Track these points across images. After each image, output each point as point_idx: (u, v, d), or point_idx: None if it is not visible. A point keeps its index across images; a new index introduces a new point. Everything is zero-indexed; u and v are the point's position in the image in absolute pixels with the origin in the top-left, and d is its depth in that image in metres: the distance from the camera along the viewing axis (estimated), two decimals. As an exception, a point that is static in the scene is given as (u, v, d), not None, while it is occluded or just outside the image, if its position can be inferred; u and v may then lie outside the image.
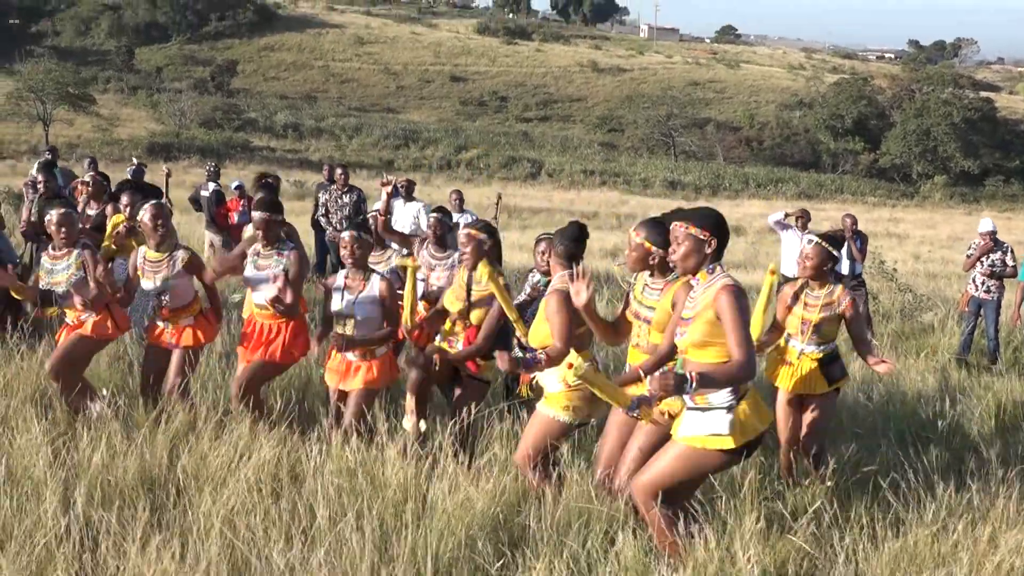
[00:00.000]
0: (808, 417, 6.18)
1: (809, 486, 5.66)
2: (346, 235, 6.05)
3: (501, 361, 5.01)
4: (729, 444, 4.27)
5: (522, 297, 6.78)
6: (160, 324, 6.41)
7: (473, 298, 6.08)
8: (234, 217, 14.12)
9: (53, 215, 6.36)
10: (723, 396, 4.27)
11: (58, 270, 6.37)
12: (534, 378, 5.35)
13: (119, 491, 4.46)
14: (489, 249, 6.01)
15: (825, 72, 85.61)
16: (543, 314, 5.13)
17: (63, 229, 6.36)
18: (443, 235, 7.55)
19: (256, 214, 6.31)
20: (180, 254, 6.37)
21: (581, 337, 5.18)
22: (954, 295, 15.59)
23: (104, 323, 6.33)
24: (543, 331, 5.11)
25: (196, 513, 4.16)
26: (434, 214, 7.48)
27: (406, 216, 12.32)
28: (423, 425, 5.85)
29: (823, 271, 6.13)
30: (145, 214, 6.35)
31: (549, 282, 5.58)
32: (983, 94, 70.93)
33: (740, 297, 4.25)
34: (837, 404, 6.61)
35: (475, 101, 78.43)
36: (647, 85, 79.40)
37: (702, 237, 4.38)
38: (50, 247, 6.57)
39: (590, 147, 64.76)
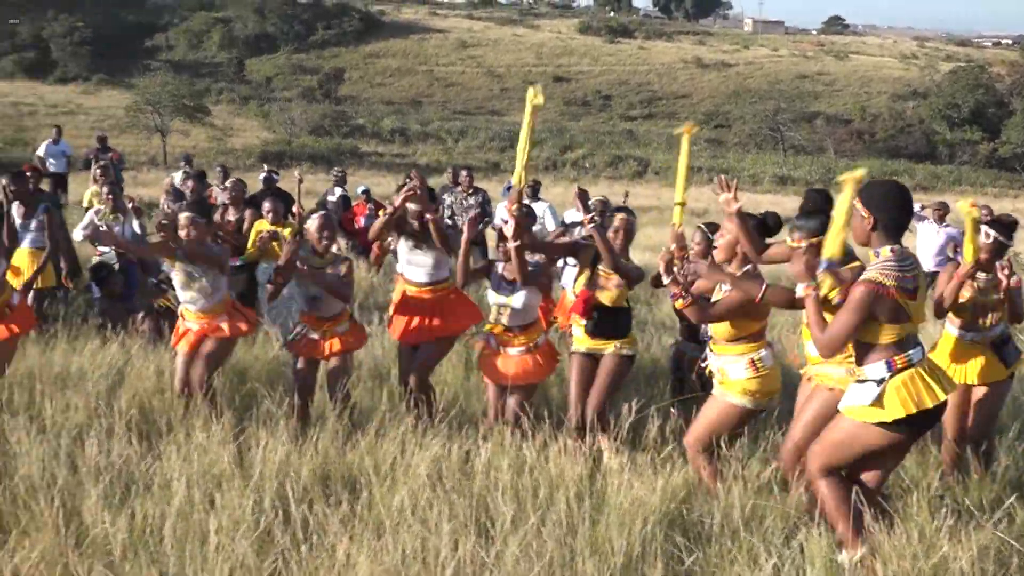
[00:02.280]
0: (976, 406, 5.96)
1: (980, 482, 5.49)
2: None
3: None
4: (881, 416, 4.17)
5: None
6: (315, 335, 6.38)
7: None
8: (360, 221, 14.39)
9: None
10: (876, 369, 4.20)
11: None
12: (707, 366, 5.33)
13: (302, 486, 4.57)
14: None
15: (939, 61, 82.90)
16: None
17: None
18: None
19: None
20: (341, 266, 6.36)
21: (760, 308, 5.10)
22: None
23: (237, 323, 6.51)
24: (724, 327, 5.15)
25: (388, 506, 4.24)
26: (620, 214, 6.99)
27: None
28: None
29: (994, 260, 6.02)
30: (313, 223, 6.46)
31: None
32: (1110, 76, 67.86)
33: (864, 298, 4.09)
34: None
35: (579, 101, 78.20)
36: (753, 80, 78.13)
37: (863, 214, 4.23)
38: None
39: (696, 144, 63.94)
